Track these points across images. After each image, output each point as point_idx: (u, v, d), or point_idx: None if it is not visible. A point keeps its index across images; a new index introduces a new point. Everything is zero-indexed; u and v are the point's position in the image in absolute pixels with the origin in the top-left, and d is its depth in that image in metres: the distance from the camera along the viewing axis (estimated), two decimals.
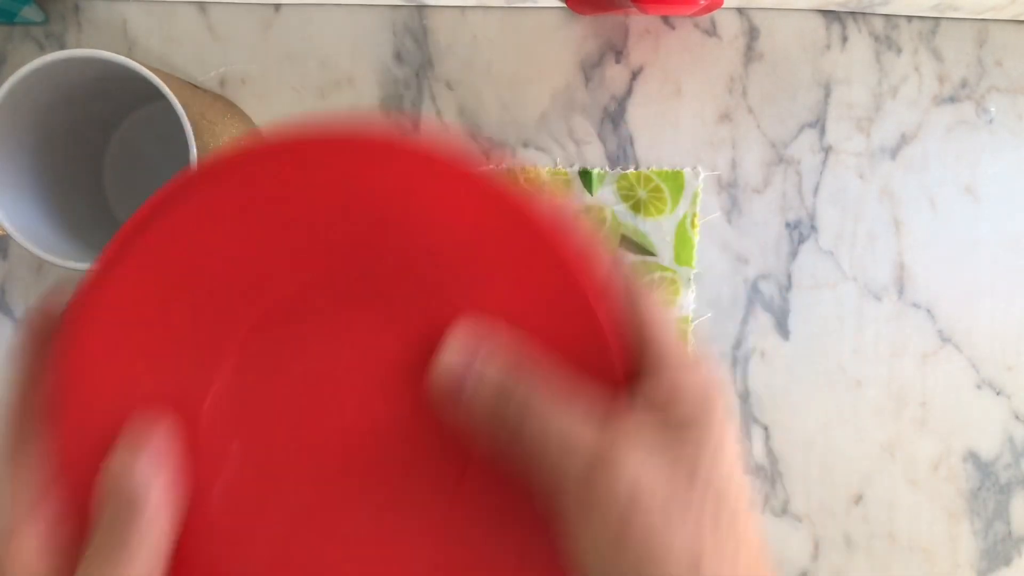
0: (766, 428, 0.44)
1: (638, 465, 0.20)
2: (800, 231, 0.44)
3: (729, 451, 0.21)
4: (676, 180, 0.44)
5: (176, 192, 0.23)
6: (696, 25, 0.44)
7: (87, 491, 0.22)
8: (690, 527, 0.20)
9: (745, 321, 0.44)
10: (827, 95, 0.44)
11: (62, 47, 0.43)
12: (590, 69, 0.44)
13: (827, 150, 0.44)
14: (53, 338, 0.22)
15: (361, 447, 0.24)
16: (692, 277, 0.44)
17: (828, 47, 0.44)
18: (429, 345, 0.23)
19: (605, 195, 0.44)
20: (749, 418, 0.44)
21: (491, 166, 0.24)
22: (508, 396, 0.21)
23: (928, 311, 0.44)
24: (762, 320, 0.44)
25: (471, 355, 0.22)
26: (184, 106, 0.32)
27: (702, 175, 0.44)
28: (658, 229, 0.44)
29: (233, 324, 0.23)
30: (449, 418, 0.22)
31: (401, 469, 0.24)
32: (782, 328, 0.44)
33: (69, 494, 0.22)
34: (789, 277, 0.44)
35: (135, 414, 0.23)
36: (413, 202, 0.23)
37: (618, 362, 0.23)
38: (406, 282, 0.24)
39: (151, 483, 0.21)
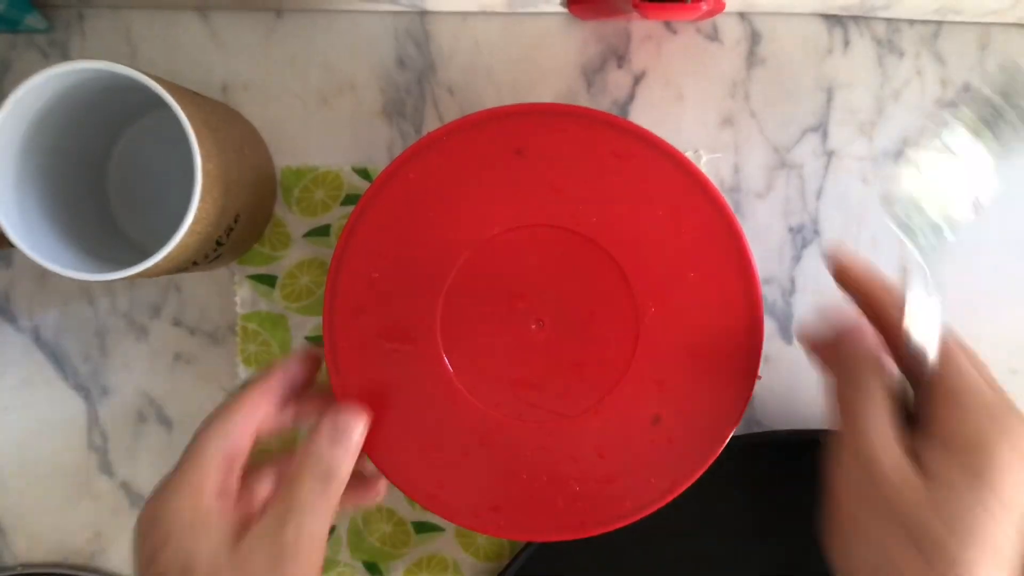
0: None
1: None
2: (803, 235, 0.44)
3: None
4: None
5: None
6: (698, 30, 0.44)
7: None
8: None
9: None
10: (829, 99, 0.44)
11: (65, 55, 0.44)
12: (592, 74, 0.44)
13: (830, 154, 0.44)
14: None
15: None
16: None
17: (830, 51, 0.44)
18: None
19: None
20: (752, 423, 0.44)
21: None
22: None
23: None
24: (765, 324, 0.44)
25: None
26: (187, 114, 0.33)
27: (704, 158, 0.44)
28: None
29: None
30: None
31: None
32: (785, 332, 0.44)
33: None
34: (792, 281, 0.44)
35: (343, 405, 0.33)
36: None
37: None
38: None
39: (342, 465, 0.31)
